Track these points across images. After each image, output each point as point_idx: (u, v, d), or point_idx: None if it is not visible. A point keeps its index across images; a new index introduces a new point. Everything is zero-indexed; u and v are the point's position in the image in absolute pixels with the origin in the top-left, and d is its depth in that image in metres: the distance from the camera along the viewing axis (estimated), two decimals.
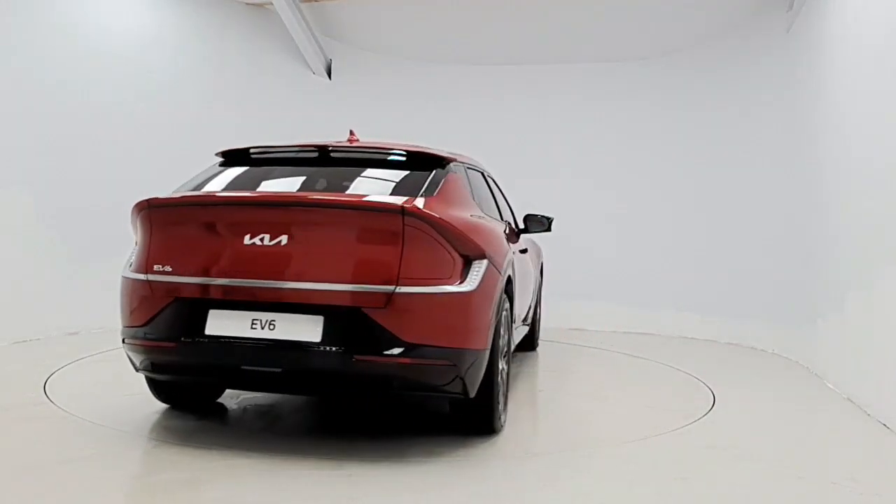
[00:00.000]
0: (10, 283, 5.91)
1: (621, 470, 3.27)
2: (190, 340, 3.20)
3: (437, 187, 3.44)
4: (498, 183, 5.46)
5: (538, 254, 6.28)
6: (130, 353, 3.46)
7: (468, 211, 3.66)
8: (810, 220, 5.88)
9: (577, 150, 8.11)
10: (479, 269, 3.27)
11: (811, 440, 3.99)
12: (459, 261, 3.22)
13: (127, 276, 3.45)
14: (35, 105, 6.23)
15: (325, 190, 3.49)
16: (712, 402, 4.59)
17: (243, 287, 3.15)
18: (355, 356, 3.05)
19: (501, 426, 3.70)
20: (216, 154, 3.94)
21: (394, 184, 3.47)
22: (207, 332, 3.18)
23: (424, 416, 4.09)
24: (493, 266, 3.42)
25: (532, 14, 7.82)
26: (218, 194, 3.45)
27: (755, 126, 7.17)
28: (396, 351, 3.05)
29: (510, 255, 3.91)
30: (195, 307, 3.22)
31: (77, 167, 6.43)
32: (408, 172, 3.56)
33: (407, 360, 3.06)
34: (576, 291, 7.46)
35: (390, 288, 3.05)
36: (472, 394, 3.32)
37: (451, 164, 3.78)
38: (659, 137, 7.86)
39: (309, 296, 3.09)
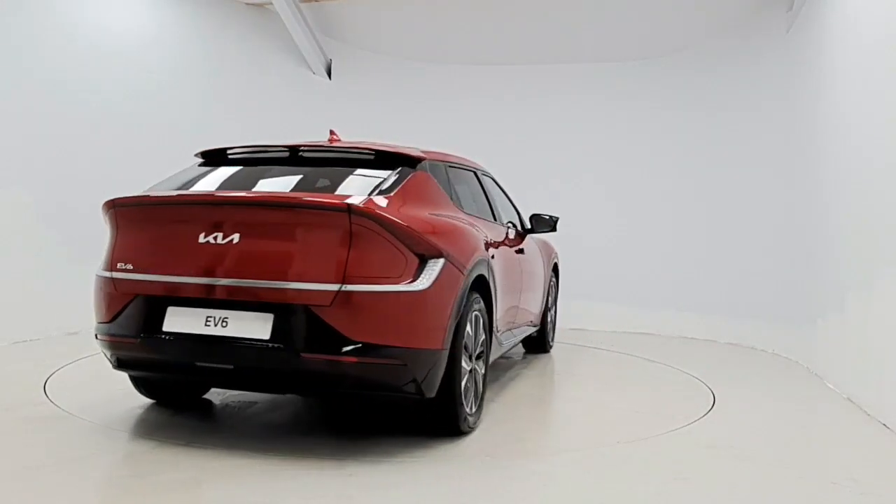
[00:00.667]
0: (10, 283, 5.91)
1: (621, 470, 3.27)
2: (149, 337, 3.27)
3: (398, 186, 3.45)
4: (500, 183, 5.47)
5: (549, 254, 6.19)
6: (101, 349, 3.56)
7: (437, 210, 3.66)
8: (810, 220, 5.88)
9: (576, 150, 8.11)
10: (434, 268, 3.24)
11: (811, 440, 3.99)
12: (413, 259, 3.21)
13: (97, 273, 3.54)
14: (35, 105, 6.23)
15: (290, 188, 3.49)
16: (712, 403, 4.59)
17: (198, 285, 3.20)
18: (302, 354, 3.07)
19: (470, 428, 3.65)
20: (195, 155, 4.00)
21: (355, 182, 3.48)
22: (165, 328, 3.24)
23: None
24: (454, 265, 3.38)
25: (532, 14, 7.82)
26: (174, 194, 3.48)
27: (755, 126, 7.17)
28: (343, 349, 3.06)
29: (483, 254, 3.81)
30: (154, 304, 3.29)
31: (77, 167, 6.43)
32: (372, 171, 3.57)
33: (354, 359, 3.07)
34: (576, 291, 7.46)
35: (336, 286, 3.06)
36: (430, 394, 3.31)
37: (423, 163, 3.80)
38: (659, 137, 7.86)
39: (259, 293, 3.12)
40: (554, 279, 6.39)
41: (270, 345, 3.09)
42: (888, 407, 4.04)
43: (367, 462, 3.23)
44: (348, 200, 3.15)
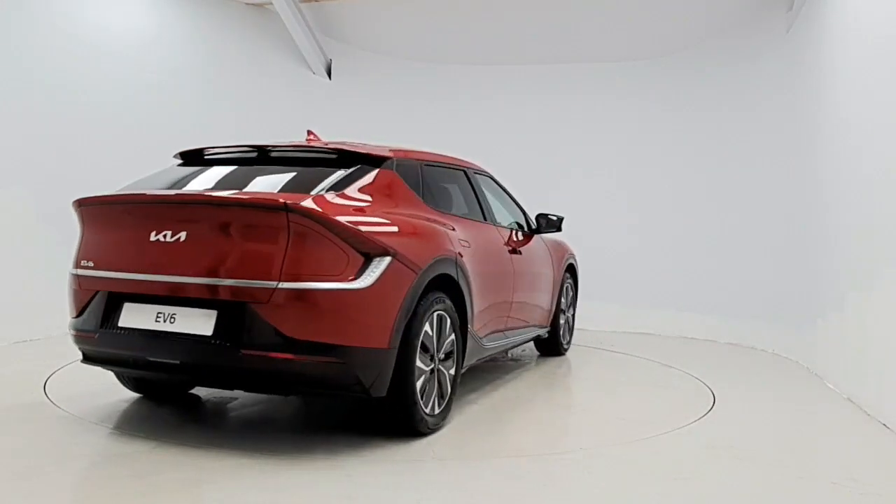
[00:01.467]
0: (11, 283, 5.91)
1: (621, 469, 3.27)
2: (106, 331, 3.40)
3: (349, 184, 3.47)
4: (501, 183, 5.43)
5: (561, 255, 6.05)
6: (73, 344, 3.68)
7: (398, 208, 3.66)
8: (810, 220, 5.88)
9: (575, 150, 8.11)
10: (379, 266, 3.24)
11: (811, 440, 3.99)
12: (357, 257, 3.21)
13: (69, 270, 3.71)
14: (35, 105, 6.23)
15: (248, 187, 3.50)
16: (712, 402, 4.59)
17: (149, 282, 3.29)
18: (243, 350, 3.11)
19: (430, 429, 3.60)
20: (173, 156, 4.09)
21: (310, 181, 3.48)
22: (120, 324, 3.37)
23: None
24: (403, 264, 3.36)
25: (532, 14, 7.82)
26: (128, 193, 3.57)
27: (755, 126, 7.17)
28: (281, 346, 3.09)
29: (447, 253, 3.75)
30: (111, 300, 3.43)
31: (77, 167, 6.43)
32: (331, 170, 3.58)
33: (291, 356, 3.09)
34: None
35: (273, 284, 3.09)
36: (379, 394, 3.32)
37: (388, 162, 3.81)
38: (658, 138, 7.86)
39: (203, 290, 3.18)
40: (571, 281, 6.29)
41: (213, 341, 3.14)
42: (888, 407, 4.04)
43: (367, 462, 3.23)
44: (286, 199, 3.16)
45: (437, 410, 3.70)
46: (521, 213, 5.50)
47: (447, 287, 3.79)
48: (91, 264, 3.52)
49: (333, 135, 6.26)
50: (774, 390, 5.22)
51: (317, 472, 3.08)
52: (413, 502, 2.77)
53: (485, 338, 4.38)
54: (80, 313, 3.57)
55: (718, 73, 7.54)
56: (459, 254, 3.90)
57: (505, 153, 7.71)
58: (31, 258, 6.11)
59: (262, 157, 3.81)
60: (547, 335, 5.88)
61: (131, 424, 3.71)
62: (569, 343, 6.37)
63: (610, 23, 7.77)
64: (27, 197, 6.10)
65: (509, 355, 6.14)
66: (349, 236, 3.20)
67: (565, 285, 6.10)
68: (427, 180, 4.15)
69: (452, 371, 3.87)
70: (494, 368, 5.60)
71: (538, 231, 5.51)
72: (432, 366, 3.65)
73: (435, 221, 3.90)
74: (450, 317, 3.78)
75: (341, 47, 8.64)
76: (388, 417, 3.56)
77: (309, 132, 4.41)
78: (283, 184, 3.48)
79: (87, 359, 3.64)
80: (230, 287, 3.14)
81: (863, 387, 4.51)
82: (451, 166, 4.69)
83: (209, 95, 7.70)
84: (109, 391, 4.37)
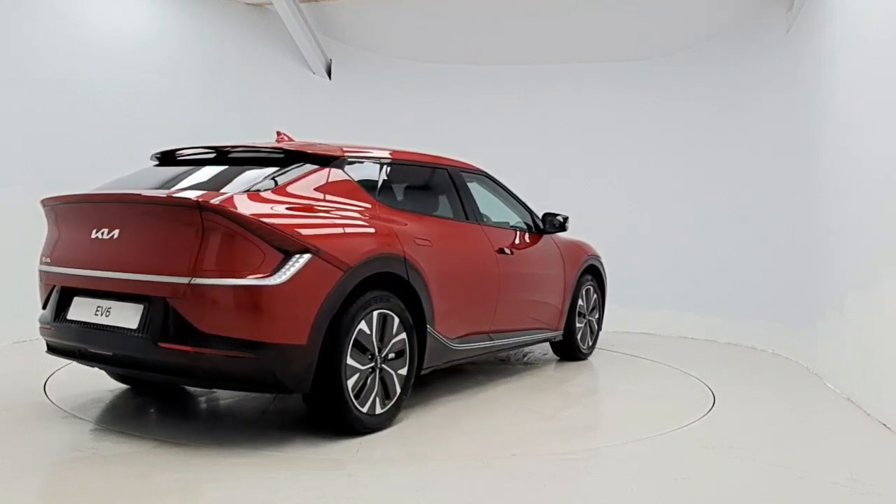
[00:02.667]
0: (11, 283, 5.91)
1: (621, 469, 3.27)
2: (60, 324, 3.64)
3: (282, 183, 3.55)
4: (503, 183, 5.34)
5: (577, 256, 5.87)
6: None
7: (341, 206, 3.69)
8: (810, 219, 5.88)
9: (576, 149, 8.11)
10: (296, 263, 3.27)
11: (811, 440, 3.99)
12: (274, 254, 3.24)
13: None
14: (35, 105, 6.23)
15: (191, 185, 3.58)
16: (712, 402, 4.59)
17: (90, 277, 3.51)
18: (160, 343, 3.23)
19: (366, 428, 3.60)
20: (150, 157, 4.23)
21: (246, 180, 3.57)
22: (69, 317, 3.60)
23: (427, 417, 4.09)
24: (327, 261, 3.38)
25: (533, 14, 7.82)
26: (76, 193, 3.77)
27: (755, 126, 7.18)
28: (193, 340, 3.19)
29: (389, 251, 3.74)
30: (64, 294, 3.67)
31: (77, 167, 6.42)
32: (268, 170, 3.66)
33: (204, 350, 3.18)
34: None
35: (186, 279, 3.19)
36: (300, 390, 3.38)
37: (337, 162, 3.87)
38: (658, 138, 7.86)
39: (131, 286, 3.35)
40: (593, 283, 6.11)
41: (137, 334, 3.30)
42: (888, 407, 4.04)
43: (367, 462, 3.23)
44: (199, 198, 3.25)
45: (378, 410, 3.67)
46: (526, 213, 5.42)
47: (396, 286, 3.80)
48: (48, 260, 3.79)
49: (333, 135, 6.27)
50: (774, 390, 5.22)
51: (317, 472, 3.09)
52: (413, 502, 2.77)
53: (456, 339, 4.32)
54: (44, 306, 3.82)
55: (718, 73, 7.53)
56: (407, 253, 3.85)
57: (505, 153, 7.70)
58: (32, 258, 6.09)
59: (220, 158, 3.92)
60: (560, 338, 5.73)
61: (131, 424, 3.71)
62: (590, 347, 6.13)
63: (610, 23, 7.76)
64: (27, 197, 6.09)
65: (525, 359, 6.06)
66: (264, 233, 3.24)
67: (584, 288, 5.93)
68: (390, 179, 4.18)
69: (403, 371, 3.84)
70: (493, 370, 5.60)
71: (544, 231, 5.43)
72: (371, 365, 3.63)
73: (385, 220, 3.89)
74: (398, 316, 3.78)
75: (341, 47, 8.63)
76: (318, 414, 3.59)
77: (279, 133, 4.48)
78: (220, 182, 3.56)
79: (49, 349, 3.83)
80: (151, 283, 3.28)
81: (863, 387, 4.51)
82: (428, 165, 4.64)
83: (209, 95, 7.70)
84: (109, 391, 4.37)
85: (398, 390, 3.81)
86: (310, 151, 3.84)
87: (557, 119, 8.19)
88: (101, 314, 3.46)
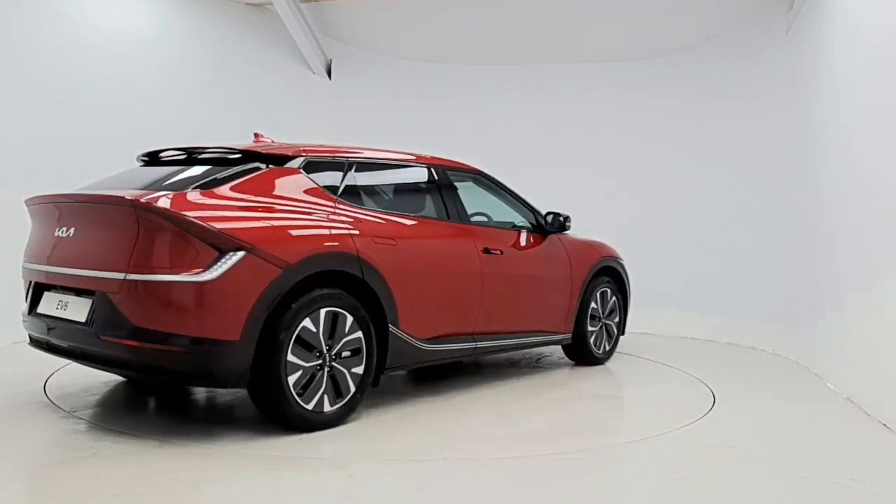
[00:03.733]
0: (11, 283, 5.90)
1: (621, 469, 3.27)
2: (32, 317, 3.88)
3: (228, 182, 3.65)
4: (501, 183, 5.28)
5: (587, 256, 5.70)
6: None
7: (290, 205, 3.74)
8: (810, 219, 5.88)
9: (576, 149, 8.11)
10: (229, 260, 3.34)
11: (811, 440, 3.99)
12: (209, 251, 3.32)
13: None
14: (35, 105, 6.23)
15: (153, 185, 3.67)
16: (712, 402, 4.59)
17: (53, 273, 3.73)
18: (101, 336, 3.41)
19: (311, 425, 3.63)
20: (136, 158, 4.37)
21: (197, 179, 3.68)
22: (38, 310, 3.84)
23: (432, 417, 4.10)
24: (262, 258, 3.42)
25: (533, 14, 7.82)
26: (46, 194, 3.93)
27: (754, 126, 7.17)
28: (129, 334, 3.33)
29: (338, 249, 3.76)
30: (36, 290, 3.92)
31: (77, 167, 6.40)
32: (222, 168, 3.79)
33: (136, 343, 3.32)
34: None
35: (122, 275, 3.34)
36: (236, 385, 3.44)
37: (292, 161, 3.94)
38: (658, 138, 7.86)
39: (81, 281, 3.54)
40: (611, 285, 5.91)
41: (85, 327, 3.48)
42: (888, 407, 4.04)
43: (367, 462, 3.23)
44: (133, 197, 3.38)
45: (327, 408, 3.69)
46: (529, 213, 5.34)
47: (352, 284, 3.82)
48: (26, 258, 4.04)
49: (333, 135, 6.27)
50: (774, 390, 5.22)
51: (317, 472, 3.09)
52: (414, 502, 2.77)
53: (429, 340, 4.29)
54: (25, 300, 4.07)
55: (718, 73, 7.53)
56: (361, 251, 3.85)
57: (505, 152, 7.70)
58: None
59: (190, 159, 4.04)
60: (569, 341, 5.58)
61: (131, 424, 3.71)
62: (607, 352, 5.92)
63: (610, 23, 7.76)
64: (27, 197, 6.08)
65: (538, 362, 5.95)
66: (197, 231, 3.32)
67: (599, 290, 5.77)
68: (357, 179, 4.20)
69: (359, 370, 3.84)
70: (493, 373, 5.60)
71: (547, 232, 5.34)
72: (318, 362, 3.65)
73: (341, 219, 3.90)
74: (353, 314, 3.79)
75: (341, 47, 8.63)
76: (261, 410, 3.63)
77: (256, 134, 4.55)
78: (174, 182, 3.70)
79: (31, 341, 4.05)
80: (96, 278, 3.45)
81: (863, 387, 4.51)
82: (405, 164, 4.64)
83: (209, 95, 7.70)
84: (109, 391, 4.37)
85: (352, 389, 3.81)
86: (265, 152, 3.92)
87: (557, 119, 8.19)
88: (61, 308, 3.66)
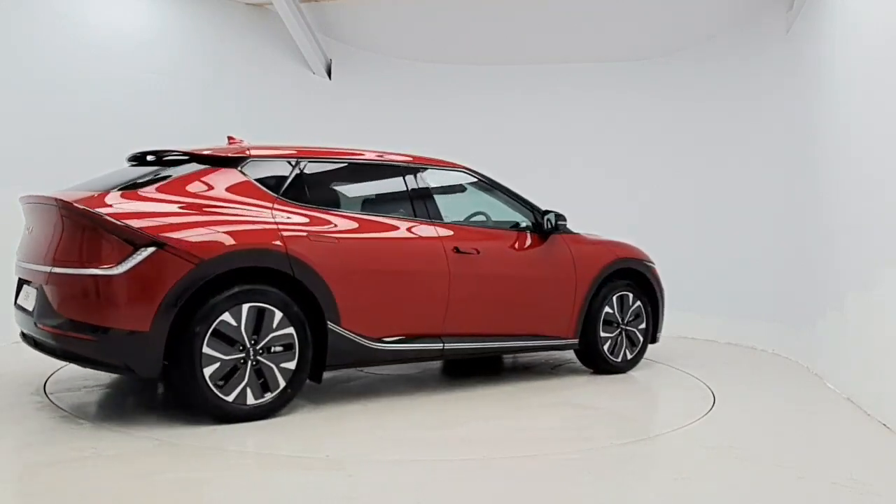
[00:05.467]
0: (10, 283, 5.90)
1: (621, 469, 3.27)
2: (15, 309, 4.17)
3: (157, 182, 3.90)
4: (497, 183, 5.18)
5: (597, 258, 5.36)
6: None
7: (219, 204, 3.88)
8: (810, 219, 5.88)
9: (576, 149, 8.11)
10: (140, 255, 3.55)
11: (811, 440, 3.99)
12: (124, 247, 3.55)
13: None
14: (34, 105, 6.23)
15: (112, 186, 3.91)
16: (712, 402, 4.59)
17: (22, 268, 4.06)
18: (37, 324, 3.75)
19: (230, 415, 3.71)
20: (126, 159, 4.52)
21: (130, 179, 3.96)
22: (17, 302, 4.15)
23: (437, 416, 4.09)
24: (174, 254, 3.60)
25: (533, 14, 7.82)
26: (29, 194, 4.14)
27: (755, 126, 7.17)
28: (52, 322, 3.67)
29: (259, 246, 3.84)
30: (19, 284, 4.19)
31: (76, 167, 6.37)
32: (165, 170, 4.06)
33: (58, 331, 3.64)
34: None
35: (48, 268, 3.70)
36: (147, 374, 3.63)
37: (231, 162, 4.09)
38: (658, 138, 7.86)
39: (30, 274, 3.92)
40: (633, 289, 5.52)
41: (31, 315, 3.84)
42: (888, 407, 4.04)
43: (367, 462, 3.23)
44: (56, 196, 3.71)
45: (251, 401, 3.78)
46: (528, 212, 5.16)
47: (284, 280, 3.90)
48: (16, 255, 4.25)
49: (334, 135, 6.27)
50: (774, 390, 5.22)
51: (318, 473, 3.09)
52: (413, 502, 2.77)
53: (383, 339, 4.27)
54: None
55: (718, 73, 7.53)
56: (291, 248, 3.90)
57: (505, 152, 7.69)
58: None
59: (156, 161, 4.26)
60: (577, 347, 5.28)
61: (131, 424, 3.71)
62: (628, 360, 5.47)
63: (610, 23, 7.76)
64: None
65: (553, 370, 5.70)
66: (111, 228, 3.56)
67: (616, 293, 5.39)
68: (305, 178, 4.25)
69: (290, 365, 3.89)
70: (488, 377, 5.60)
71: (546, 231, 5.10)
72: (240, 356, 3.74)
73: (276, 217, 3.97)
74: (283, 310, 3.86)
75: (341, 47, 8.63)
76: (183, 398, 3.83)
77: (230, 137, 4.64)
78: (127, 183, 3.92)
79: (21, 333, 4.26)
80: (35, 271, 3.83)
81: (863, 387, 4.51)
82: (364, 163, 4.62)
83: (209, 95, 7.69)
84: (109, 391, 4.37)
85: (281, 384, 3.87)
86: (207, 153, 4.12)
87: (557, 119, 8.19)
88: (26, 299, 3.99)
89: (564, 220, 5.24)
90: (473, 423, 4.04)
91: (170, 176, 3.95)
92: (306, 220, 4.08)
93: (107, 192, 3.77)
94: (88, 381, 4.66)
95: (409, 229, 4.51)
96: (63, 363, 5.04)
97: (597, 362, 5.40)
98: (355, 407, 4.24)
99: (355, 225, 4.30)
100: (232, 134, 4.86)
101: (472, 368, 5.57)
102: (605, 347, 5.35)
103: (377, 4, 8.15)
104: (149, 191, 3.82)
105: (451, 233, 4.65)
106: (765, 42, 7.10)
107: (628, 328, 5.50)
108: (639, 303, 5.59)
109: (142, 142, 6.86)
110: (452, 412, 4.23)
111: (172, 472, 3.00)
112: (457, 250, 4.59)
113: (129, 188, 3.81)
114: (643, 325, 5.61)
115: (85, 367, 3.80)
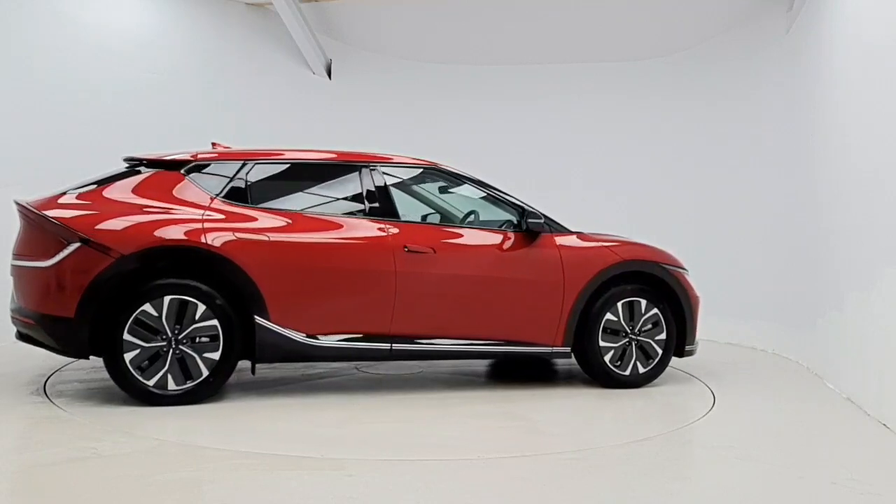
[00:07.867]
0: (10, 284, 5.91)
1: (621, 469, 3.27)
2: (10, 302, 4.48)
3: (104, 185, 4.28)
4: (488, 183, 4.99)
5: (588, 259, 4.90)
6: None
7: (155, 203, 4.20)
8: (810, 219, 5.88)
9: (576, 150, 8.10)
10: (68, 249, 3.97)
11: (811, 440, 3.99)
12: (60, 242, 3.99)
13: None
14: (35, 105, 6.23)
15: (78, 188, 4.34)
16: (712, 402, 4.59)
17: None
18: (10, 312, 4.30)
19: (153, 398, 4.02)
20: (123, 160, 4.67)
21: (84, 183, 4.36)
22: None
23: (437, 415, 4.09)
24: (96, 249, 3.97)
25: (533, 14, 7.82)
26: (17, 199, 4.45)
27: (754, 126, 7.17)
28: (15, 309, 4.25)
29: (182, 242, 4.10)
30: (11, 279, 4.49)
31: (76, 167, 6.37)
32: (127, 173, 4.43)
33: (16, 316, 4.22)
34: None
35: (15, 262, 4.21)
36: (77, 355, 4.12)
37: (174, 165, 4.40)
38: (658, 138, 7.85)
39: (10, 267, 4.30)
40: (649, 294, 5.00)
41: (11, 304, 4.35)
42: (888, 407, 4.04)
43: (367, 462, 3.23)
44: (17, 200, 4.19)
45: (172, 387, 4.07)
46: (513, 210, 4.87)
47: (212, 275, 4.15)
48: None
49: (334, 134, 6.27)
50: (774, 390, 5.22)
51: (318, 473, 3.08)
52: (413, 502, 2.77)
53: (316, 336, 4.30)
54: None
55: (718, 73, 7.53)
56: (213, 245, 4.13)
57: (504, 153, 7.70)
58: None
59: (134, 166, 4.51)
60: (567, 356, 4.91)
61: (131, 424, 3.70)
62: (639, 374, 4.95)
63: (610, 23, 7.76)
64: (27, 197, 6.08)
65: (555, 377, 5.68)
66: (49, 226, 4.03)
67: (622, 299, 4.92)
68: (248, 179, 4.46)
69: (214, 356, 4.12)
70: (487, 379, 5.59)
71: (530, 231, 4.77)
72: (161, 345, 4.05)
73: (207, 216, 4.21)
74: (206, 303, 4.10)
75: (341, 47, 8.62)
76: (115, 380, 4.10)
77: (213, 143, 4.86)
78: (83, 185, 4.32)
79: None
80: (10, 264, 4.26)
81: (863, 387, 4.51)
82: (319, 164, 4.71)
83: (209, 95, 7.69)
84: (109, 391, 4.37)
85: (204, 372, 4.12)
86: (151, 158, 4.46)
87: (557, 119, 8.18)
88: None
89: (542, 218, 4.83)
90: (473, 422, 4.04)
91: (123, 179, 4.33)
92: (239, 219, 4.30)
93: (63, 193, 4.21)
94: (88, 381, 4.67)
95: (352, 227, 4.49)
96: (63, 363, 5.07)
97: (597, 375, 4.94)
98: (356, 408, 4.24)
99: (289, 223, 4.40)
100: (217, 140, 4.99)
101: (475, 372, 5.57)
102: (608, 358, 4.89)
103: (377, 4, 8.15)
104: (97, 193, 4.22)
105: (402, 231, 4.52)
106: (765, 42, 7.10)
107: (641, 338, 4.97)
108: (655, 310, 5.02)
109: (142, 142, 6.87)
110: (453, 412, 4.23)
111: (172, 472, 3.00)
112: (407, 249, 4.48)
113: (85, 190, 4.23)
114: (662, 336, 5.03)
115: (38, 347, 4.20)
